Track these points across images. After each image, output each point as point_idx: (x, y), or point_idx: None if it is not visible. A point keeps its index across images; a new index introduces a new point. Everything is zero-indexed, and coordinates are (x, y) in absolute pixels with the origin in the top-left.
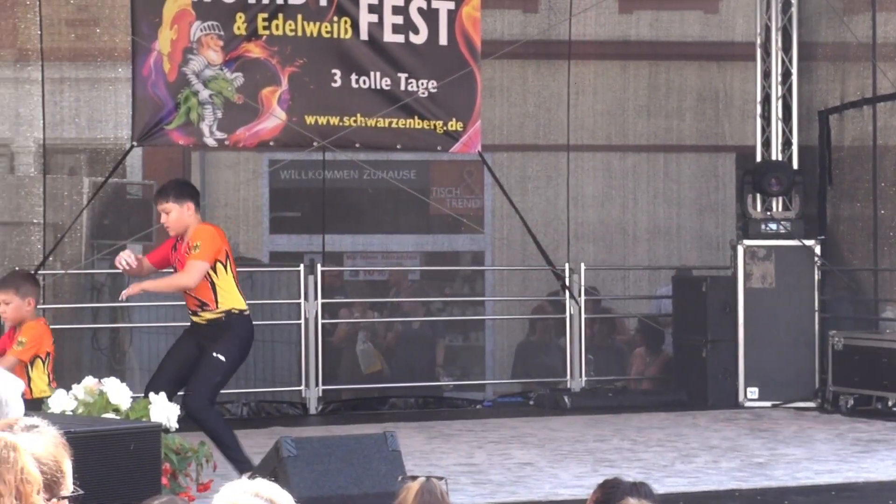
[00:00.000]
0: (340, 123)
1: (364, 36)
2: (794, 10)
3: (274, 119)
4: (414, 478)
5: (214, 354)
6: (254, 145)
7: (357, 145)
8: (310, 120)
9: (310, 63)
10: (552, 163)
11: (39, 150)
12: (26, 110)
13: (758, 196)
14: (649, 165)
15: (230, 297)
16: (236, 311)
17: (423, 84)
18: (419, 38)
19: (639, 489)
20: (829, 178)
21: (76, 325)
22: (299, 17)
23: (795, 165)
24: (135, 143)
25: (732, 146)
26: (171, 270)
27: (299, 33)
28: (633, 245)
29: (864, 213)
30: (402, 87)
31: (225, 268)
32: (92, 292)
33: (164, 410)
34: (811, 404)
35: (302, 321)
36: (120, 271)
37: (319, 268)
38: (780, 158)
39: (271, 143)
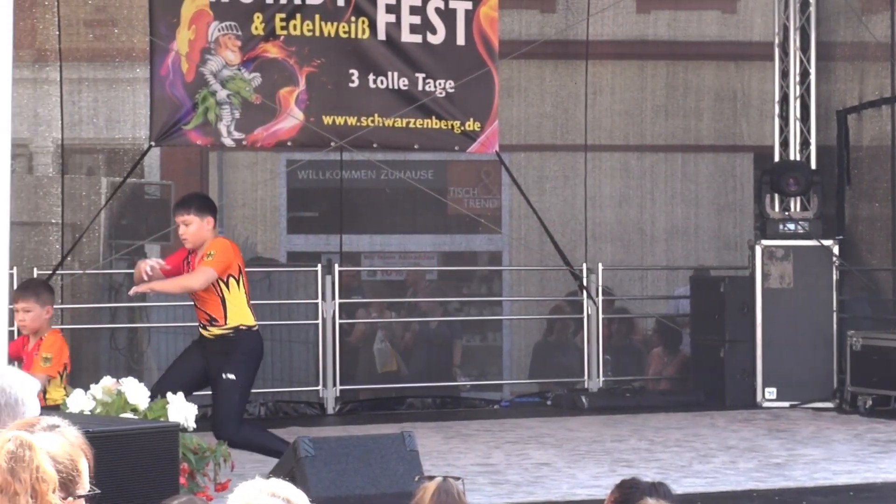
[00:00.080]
0: (358, 123)
1: (381, 36)
2: (812, 9)
3: (291, 119)
4: (431, 478)
5: (224, 376)
6: (271, 145)
7: (374, 145)
8: (327, 120)
9: (327, 63)
10: (570, 163)
11: (58, 150)
12: (45, 111)
13: (776, 196)
14: (667, 165)
15: (240, 314)
16: (244, 328)
17: (440, 84)
18: (437, 38)
19: (657, 489)
20: (847, 178)
21: (94, 325)
22: (317, 17)
23: (813, 165)
24: (153, 144)
25: (750, 146)
26: None
27: (317, 33)
28: (650, 245)
29: (883, 213)
30: (420, 87)
31: (237, 283)
32: (110, 292)
33: (181, 410)
34: (829, 405)
35: (319, 321)
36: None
37: (337, 268)
38: (798, 158)
39: (289, 144)
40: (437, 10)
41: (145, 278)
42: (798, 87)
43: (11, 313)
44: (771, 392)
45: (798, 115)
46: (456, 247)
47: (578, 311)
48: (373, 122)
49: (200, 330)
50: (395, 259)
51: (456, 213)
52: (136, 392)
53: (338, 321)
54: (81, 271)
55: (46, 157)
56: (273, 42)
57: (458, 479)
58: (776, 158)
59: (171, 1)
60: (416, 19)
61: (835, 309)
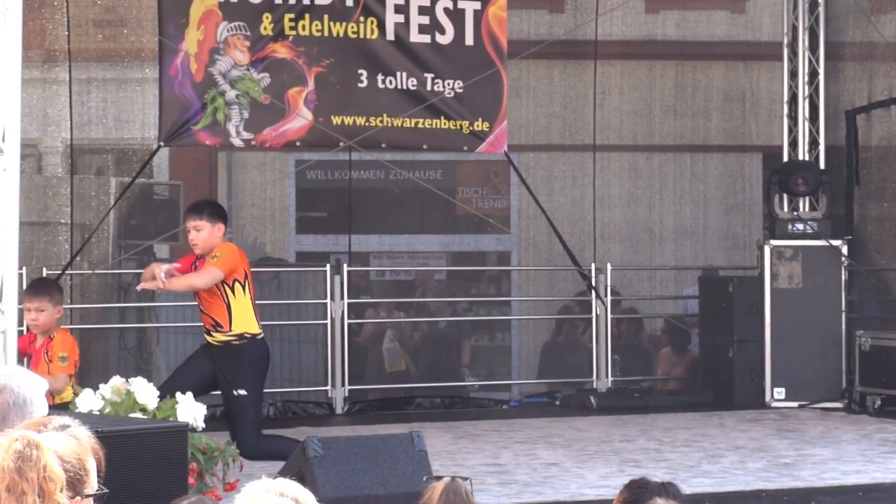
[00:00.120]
0: (367, 124)
1: (390, 36)
2: (821, 9)
3: (300, 119)
4: (439, 478)
5: (235, 393)
6: (280, 145)
7: (383, 145)
8: (336, 120)
9: (336, 63)
10: (578, 163)
11: (67, 150)
12: (54, 111)
13: (784, 196)
14: (676, 165)
15: (244, 321)
16: (249, 335)
17: (449, 84)
18: (445, 39)
19: (667, 489)
20: (856, 178)
21: (103, 325)
22: (326, 17)
23: (822, 165)
24: (162, 144)
25: (759, 146)
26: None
27: (326, 34)
28: (659, 245)
29: (892, 213)
30: (429, 88)
31: (243, 289)
32: (119, 292)
33: (190, 410)
34: (838, 405)
35: (328, 321)
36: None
37: (346, 268)
38: (806, 158)
39: (298, 144)
40: (446, 10)
41: (161, 286)
42: (807, 87)
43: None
44: (780, 392)
45: (807, 115)
46: (465, 247)
47: (587, 312)
48: (381, 122)
49: (205, 335)
50: (404, 259)
51: (465, 213)
52: (146, 392)
53: (346, 321)
54: (90, 271)
55: (56, 158)
56: (282, 42)
57: (465, 479)
58: (785, 158)
59: (180, 1)
60: (425, 19)
61: (843, 309)
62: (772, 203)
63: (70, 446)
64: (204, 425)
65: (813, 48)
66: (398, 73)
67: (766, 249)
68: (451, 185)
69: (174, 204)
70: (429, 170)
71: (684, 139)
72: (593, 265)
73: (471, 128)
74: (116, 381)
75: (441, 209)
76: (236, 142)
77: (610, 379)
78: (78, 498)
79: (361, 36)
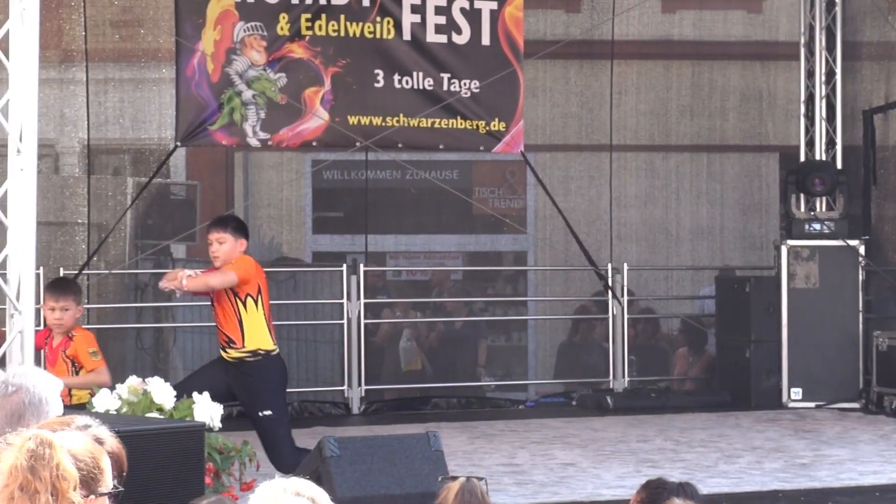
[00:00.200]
0: (383, 124)
1: (407, 36)
2: (837, 9)
3: (317, 119)
4: (454, 478)
5: (261, 414)
6: (297, 145)
7: (400, 145)
8: (352, 120)
9: (353, 63)
10: (595, 163)
11: (84, 150)
12: (71, 111)
13: (801, 196)
14: (692, 165)
15: (258, 337)
16: (263, 352)
17: (465, 84)
18: (462, 39)
19: (685, 490)
20: (873, 178)
21: (120, 325)
22: (342, 17)
23: (839, 165)
24: (178, 144)
25: (776, 146)
26: (210, 300)
27: (342, 34)
28: (675, 245)
29: None
30: (445, 88)
31: (256, 303)
32: (136, 292)
33: (207, 410)
34: (855, 405)
35: (345, 321)
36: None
37: (362, 268)
38: (823, 158)
39: (314, 144)
40: (463, 10)
41: (183, 286)
42: (824, 87)
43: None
44: (796, 392)
45: (824, 114)
46: (481, 247)
47: (604, 312)
48: (398, 122)
49: (220, 352)
50: (420, 259)
51: (481, 213)
52: (162, 391)
53: (363, 321)
54: (107, 271)
55: (72, 158)
56: (298, 42)
57: (481, 479)
58: (802, 158)
59: (196, 1)
60: (442, 19)
61: (860, 309)
62: (789, 203)
63: (84, 445)
64: (220, 425)
65: (830, 48)
66: (415, 73)
67: (783, 249)
68: (468, 185)
69: (191, 204)
70: (445, 170)
71: (701, 139)
72: (610, 265)
73: (487, 128)
74: (133, 380)
75: (457, 209)
76: (253, 142)
77: (626, 379)
78: (92, 496)
79: (378, 36)
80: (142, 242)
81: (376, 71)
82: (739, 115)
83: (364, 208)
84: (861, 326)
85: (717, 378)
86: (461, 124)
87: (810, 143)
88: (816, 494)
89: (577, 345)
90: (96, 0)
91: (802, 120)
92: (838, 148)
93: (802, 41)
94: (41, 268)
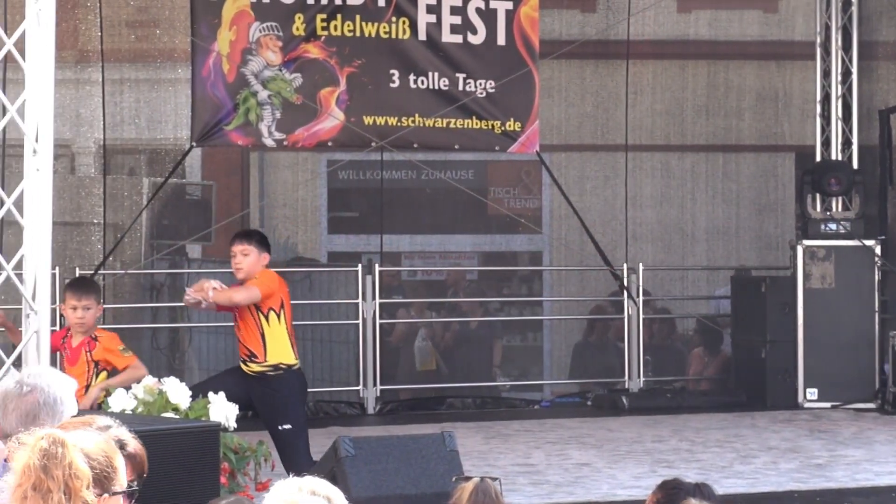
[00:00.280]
0: (398, 124)
1: (422, 36)
2: (854, 8)
3: (332, 119)
4: (468, 478)
5: (281, 428)
6: (312, 146)
7: (415, 145)
8: (368, 120)
9: (368, 63)
10: (610, 163)
11: (99, 150)
12: (87, 111)
13: (817, 196)
14: (708, 165)
15: (279, 351)
16: (284, 366)
17: (480, 84)
18: (477, 39)
19: (701, 490)
20: (889, 178)
21: (136, 325)
22: (357, 17)
23: (855, 165)
24: (194, 144)
25: (792, 146)
26: (233, 316)
27: (357, 34)
28: (691, 245)
29: None
30: (460, 88)
31: (278, 318)
32: (151, 292)
33: (222, 410)
34: (871, 405)
35: (360, 321)
36: (180, 272)
37: (377, 268)
38: (839, 158)
39: (329, 144)
40: (478, 10)
41: (209, 297)
42: (840, 87)
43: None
44: (812, 392)
45: (840, 114)
46: (496, 247)
47: (619, 312)
48: (413, 122)
49: (241, 365)
50: (436, 259)
51: (496, 214)
52: (178, 391)
53: (378, 321)
54: (123, 271)
55: (88, 158)
56: (314, 42)
57: (495, 479)
58: (818, 158)
59: (212, 2)
60: (457, 19)
61: (877, 309)
62: (804, 203)
63: (97, 444)
64: (236, 425)
65: (846, 47)
66: (430, 73)
67: (799, 249)
68: (483, 185)
69: (206, 204)
70: (460, 170)
71: (716, 139)
72: (625, 265)
73: (502, 128)
74: (149, 380)
75: (473, 209)
76: (268, 142)
77: (642, 379)
78: (105, 495)
79: (393, 36)
80: (157, 242)
81: (392, 71)
82: (755, 115)
83: (379, 208)
84: (877, 326)
85: (733, 378)
86: (476, 124)
87: (826, 143)
88: (832, 495)
89: (593, 345)
90: (112, 0)
91: (818, 120)
92: (854, 148)
93: (818, 41)
94: (57, 268)
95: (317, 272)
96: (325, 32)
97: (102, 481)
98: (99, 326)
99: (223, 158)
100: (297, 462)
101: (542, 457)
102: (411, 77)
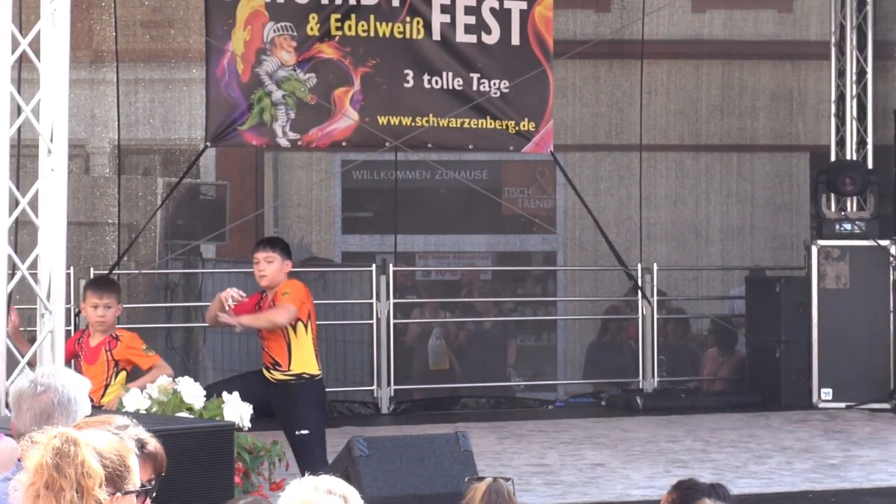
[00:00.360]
0: (412, 124)
1: (436, 36)
2: (868, 8)
3: (346, 119)
4: (481, 479)
5: (298, 434)
6: (326, 146)
7: (429, 145)
8: (382, 120)
9: (382, 63)
10: (624, 163)
11: (114, 150)
12: (101, 111)
13: (832, 196)
14: (722, 165)
15: (304, 361)
16: (307, 376)
17: (495, 84)
18: (491, 38)
19: (716, 490)
20: None
21: (150, 325)
22: (372, 17)
23: (870, 165)
24: (208, 144)
25: (806, 146)
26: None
27: (372, 34)
28: (705, 245)
29: None
30: (475, 88)
31: (305, 328)
32: (166, 292)
33: (237, 410)
34: (886, 406)
35: (374, 321)
36: (195, 271)
37: (391, 268)
38: (854, 158)
39: (344, 144)
40: (492, 10)
41: (227, 306)
42: (855, 87)
43: (68, 312)
44: (827, 393)
45: (854, 114)
46: (510, 247)
47: (633, 312)
48: (427, 122)
49: (264, 371)
50: (450, 259)
51: (510, 213)
52: (192, 391)
53: (392, 321)
54: (138, 271)
55: (103, 158)
56: (328, 42)
57: (508, 479)
58: (832, 158)
59: (226, 2)
60: (471, 19)
61: (891, 309)
62: (819, 203)
63: (110, 443)
64: (250, 425)
65: (861, 47)
66: (444, 73)
67: (814, 249)
68: (497, 185)
69: (220, 204)
70: (475, 170)
71: (731, 139)
72: (639, 265)
73: (517, 128)
74: (163, 380)
75: (487, 209)
76: (282, 142)
77: (656, 379)
78: (118, 494)
79: (407, 36)
80: (172, 242)
81: (406, 71)
82: (770, 115)
83: (393, 208)
84: (892, 327)
85: (747, 378)
86: (491, 124)
87: (841, 143)
88: (847, 495)
89: (607, 345)
90: (127, 1)
91: (833, 119)
92: (869, 147)
93: (833, 40)
94: (72, 268)
95: (331, 272)
96: (340, 32)
97: (115, 480)
98: (117, 326)
99: (237, 158)
100: (314, 468)
101: (556, 457)
102: (425, 77)
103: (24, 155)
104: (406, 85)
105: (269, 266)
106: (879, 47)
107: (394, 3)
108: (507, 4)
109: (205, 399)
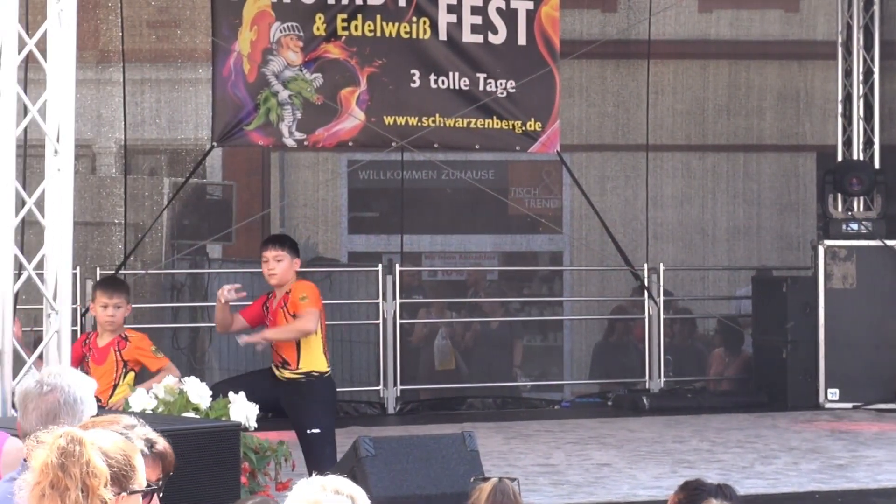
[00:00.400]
0: (419, 124)
1: (443, 36)
2: (876, 8)
3: (353, 119)
4: (486, 479)
5: (309, 432)
6: (332, 146)
7: (435, 145)
8: (388, 120)
9: (388, 63)
10: (631, 163)
11: (120, 150)
12: (108, 111)
13: (839, 196)
14: (729, 165)
15: (313, 359)
16: (316, 374)
17: (501, 84)
18: (498, 38)
19: (723, 491)
20: None
21: (156, 325)
22: (378, 17)
23: (877, 165)
24: (215, 144)
25: (813, 145)
26: (265, 323)
27: (378, 34)
28: (712, 245)
29: None
30: (481, 88)
31: (315, 328)
32: (172, 292)
33: (243, 410)
34: (893, 406)
35: (380, 321)
36: (201, 271)
37: (398, 268)
38: (861, 158)
39: (350, 144)
40: (499, 10)
41: (223, 300)
42: (861, 87)
43: (75, 312)
44: (833, 393)
45: (861, 114)
46: (517, 247)
47: (640, 312)
48: (434, 122)
49: (273, 370)
50: (456, 259)
51: (517, 213)
52: (198, 391)
53: (398, 321)
54: (144, 271)
55: (109, 158)
56: (334, 42)
57: (513, 479)
58: (839, 158)
59: (233, 2)
60: (478, 19)
61: None
62: (826, 203)
63: (115, 443)
64: (256, 425)
65: (868, 47)
66: (450, 73)
67: (820, 249)
68: (504, 185)
69: (227, 204)
70: (481, 170)
71: (737, 139)
72: (646, 265)
73: (523, 128)
74: (169, 380)
75: (493, 209)
76: (289, 142)
77: (662, 379)
78: (124, 494)
79: (414, 36)
80: (178, 242)
81: (412, 71)
82: (776, 115)
83: (400, 208)
84: None
85: (754, 379)
86: (497, 124)
87: (848, 143)
88: (853, 496)
89: (613, 345)
90: (133, 1)
91: (840, 119)
92: (876, 147)
93: (840, 40)
94: (78, 268)
95: (337, 272)
96: (346, 32)
97: (121, 480)
98: (125, 326)
99: (244, 158)
100: (323, 468)
101: (562, 457)
102: (432, 77)
103: (31, 155)
104: (412, 85)
105: (279, 265)
106: (886, 47)
107: (400, 3)
108: (513, 4)
109: (211, 399)
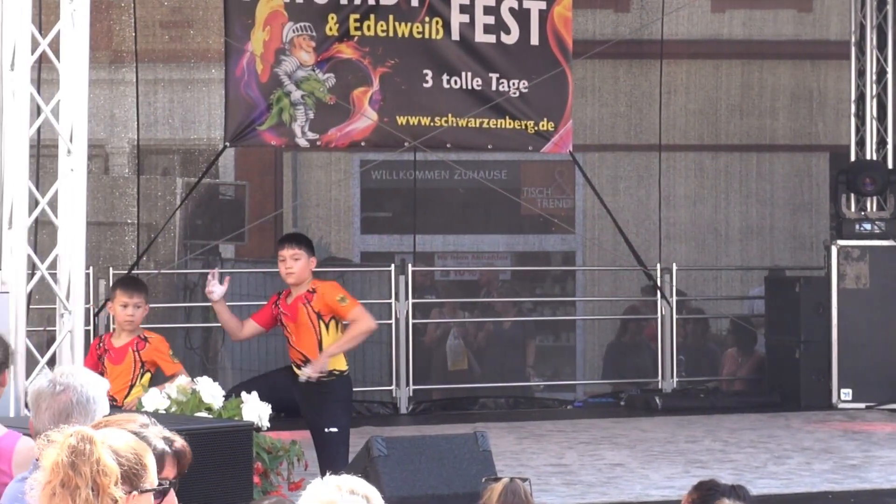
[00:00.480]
0: (431, 124)
1: (455, 36)
2: (889, 7)
3: (365, 119)
4: (497, 479)
5: (327, 430)
6: (345, 146)
7: (448, 145)
8: (401, 120)
9: (401, 63)
10: (644, 163)
11: (133, 150)
12: (121, 111)
13: (852, 196)
14: (742, 165)
15: (334, 358)
16: (337, 373)
17: (514, 84)
18: (510, 38)
19: (737, 492)
20: None
21: (169, 325)
22: (391, 17)
23: (890, 165)
24: (227, 144)
25: (826, 145)
26: (280, 322)
27: (391, 34)
28: (725, 245)
29: None
30: (494, 88)
31: (336, 326)
32: (185, 292)
33: (256, 409)
34: None
35: (393, 321)
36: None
37: (410, 268)
38: (874, 158)
39: (363, 144)
40: (511, 10)
41: (214, 297)
42: (875, 86)
43: (88, 312)
44: (846, 393)
45: (875, 114)
46: (529, 247)
47: (652, 312)
48: (446, 122)
49: (294, 368)
50: (469, 259)
51: (529, 213)
52: (211, 391)
53: (411, 321)
54: (157, 271)
55: (122, 158)
56: (347, 43)
57: (525, 479)
58: (852, 158)
59: (246, 2)
60: (490, 19)
61: None
62: (839, 203)
63: (126, 442)
64: (269, 425)
65: (881, 47)
66: (463, 73)
67: (833, 249)
68: (516, 185)
69: (240, 204)
70: (494, 170)
71: (750, 139)
72: (658, 265)
73: (536, 128)
74: (182, 380)
75: (506, 209)
76: (302, 142)
77: (675, 379)
78: (135, 493)
79: (426, 36)
80: (191, 242)
81: (425, 71)
82: (789, 115)
83: (412, 208)
84: None
85: (767, 379)
86: (510, 124)
87: (861, 143)
88: (867, 496)
89: (626, 345)
90: (146, 1)
91: (853, 119)
92: (889, 147)
93: (853, 40)
94: (91, 268)
95: (350, 272)
96: (359, 33)
97: (132, 479)
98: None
99: (256, 158)
100: (336, 467)
101: (574, 457)
102: (444, 77)
103: (44, 155)
104: (425, 85)
105: (297, 263)
106: None
107: (413, 3)
108: (526, 4)
109: (224, 399)
